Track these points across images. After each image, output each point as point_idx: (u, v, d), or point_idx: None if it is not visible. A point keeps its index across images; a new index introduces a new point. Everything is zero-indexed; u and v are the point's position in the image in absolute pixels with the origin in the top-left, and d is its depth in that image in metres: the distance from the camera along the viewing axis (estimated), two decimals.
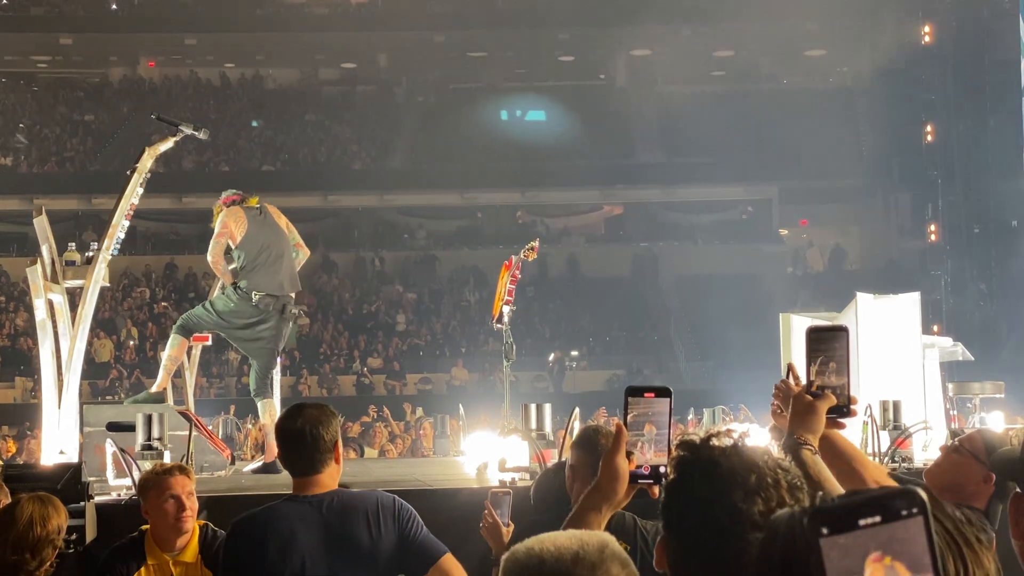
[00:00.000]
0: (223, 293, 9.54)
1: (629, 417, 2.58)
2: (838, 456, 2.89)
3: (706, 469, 2.04)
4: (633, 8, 38.33)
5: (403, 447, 19.24)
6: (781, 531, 1.55)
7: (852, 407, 2.84)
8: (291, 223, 9.93)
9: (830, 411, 2.81)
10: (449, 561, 4.21)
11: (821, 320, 11.11)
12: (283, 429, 4.22)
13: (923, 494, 1.32)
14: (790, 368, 2.99)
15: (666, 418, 2.58)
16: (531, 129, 39.79)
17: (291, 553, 4.06)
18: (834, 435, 2.91)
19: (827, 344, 2.83)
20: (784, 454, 2.33)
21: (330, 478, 4.19)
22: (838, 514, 1.33)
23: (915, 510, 1.32)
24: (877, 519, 1.31)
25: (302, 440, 4.14)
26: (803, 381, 2.89)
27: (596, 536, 1.97)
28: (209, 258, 9.45)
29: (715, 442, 2.07)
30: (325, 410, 4.23)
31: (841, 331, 2.85)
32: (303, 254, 9.91)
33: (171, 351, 9.50)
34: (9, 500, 4.83)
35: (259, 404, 9.49)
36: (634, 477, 2.57)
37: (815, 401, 2.80)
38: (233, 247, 9.43)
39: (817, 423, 2.78)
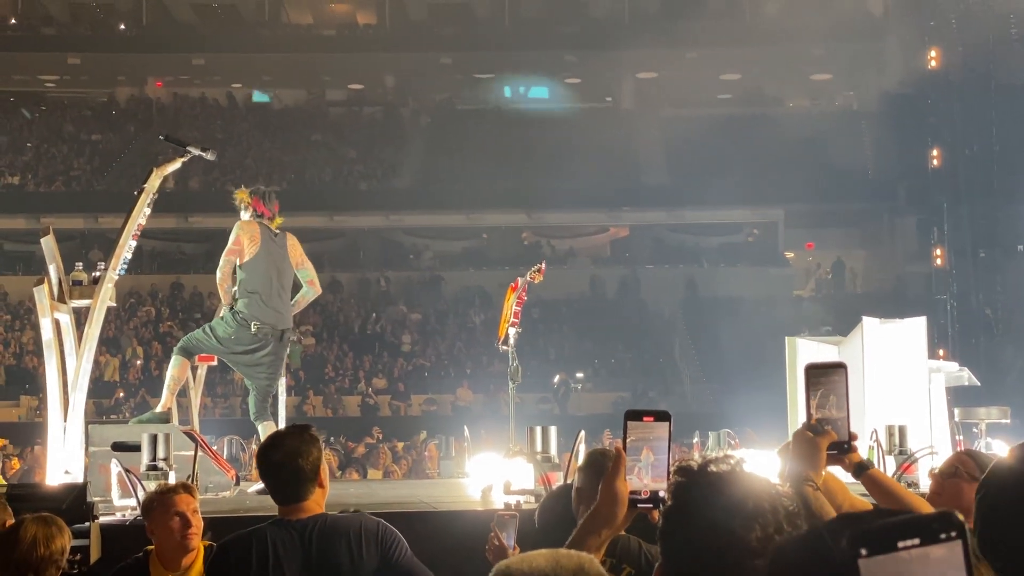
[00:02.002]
0: (222, 319, 9.58)
1: (628, 441, 2.59)
2: (888, 494, 2.94)
3: (703, 495, 2.04)
4: (639, 31, 38.44)
5: (406, 468, 19.25)
6: (798, 553, 1.56)
7: (852, 443, 2.88)
8: (307, 258, 9.96)
9: (830, 447, 2.84)
10: None
11: (827, 343, 11.13)
12: (264, 462, 4.25)
13: (961, 517, 1.34)
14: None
15: (665, 442, 2.58)
16: (534, 106, 39.95)
17: None
18: (879, 474, 2.95)
19: (827, 378, 2.87)
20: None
21: (315, 503, 4.22)
22: (878, 536, 1.35)
23: (954, 533, 1.34)
24: (916, 541, 1.33)
25: (282, 473, 4.17)
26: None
27: (573, 557, 1.97)
28: (217, 275, 9.51)
29: (712, 468, 2.08)
30: (305, 437, 4.22)
31: (840, 367, 2.89)
32: (313, 291, 9.95)
33: (173, 371, 9.54)
34: (12, 520, 4.84)
35: (259, 427, 9.52)
36: (633, 501, 2.57)
37: (816, 437, 2.83)
38: (238, 264, 9.47)
39: (818, 459, 2.82)
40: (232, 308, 9.45)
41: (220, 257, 9.61)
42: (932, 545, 1.33)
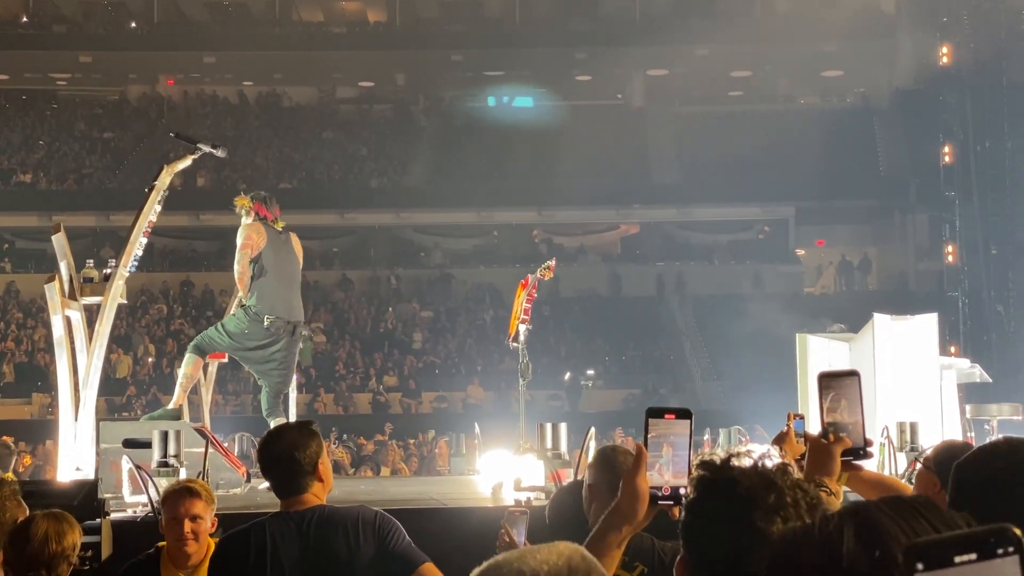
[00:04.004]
0: (234, 315, 9.58)
1: (649, 438, 2.58)
2: (875, 487, 2.93)
3: (726, 488, 2.06)
4: (650, 28, 38.41)
5: (416, 465, 19.25)
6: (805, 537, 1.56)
7: (868, 449, 2.87)
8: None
9: (846, 453, 2.84)
10: (429, 569, 4.27)
11: (837, 339, 11.11)
12: (263, 455, 4.35)
13: (1018, 532, 1.33)
14: (789, 418, 3.03)
15: (686, 439, 2.57)
16: (517, 116, 40.03)
17: (271, 567, 4.16)
18: (863, 474, 2.95)
19: (837, 382, 2.87)
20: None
21: (314, 496, 4.29)
22: (934, 550, 1.34)
23: (1011, 549, 1.32)
24: (973, 556, 1.32)
25: (281, 465, 4.26)
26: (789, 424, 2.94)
27: (564, 548, 2.00)
28: (237, 269, 9.50)
29: (735, 462, 2.09)
30: (304, 431, 4.32)
31: (852, 375, 2.90)
32: None
33: (186, 369, 9.55)
34: (27, 514, 4.85)
35: (271, 424, 9.52)
36: (654, 498, 2.56)
37: (830, 445, 2.85)
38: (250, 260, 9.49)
39: (833, 466, 2.84)
40: (243, 304, 9.47)
41: (232, 256, 9.62)
42: (989, 560, 1.32)
